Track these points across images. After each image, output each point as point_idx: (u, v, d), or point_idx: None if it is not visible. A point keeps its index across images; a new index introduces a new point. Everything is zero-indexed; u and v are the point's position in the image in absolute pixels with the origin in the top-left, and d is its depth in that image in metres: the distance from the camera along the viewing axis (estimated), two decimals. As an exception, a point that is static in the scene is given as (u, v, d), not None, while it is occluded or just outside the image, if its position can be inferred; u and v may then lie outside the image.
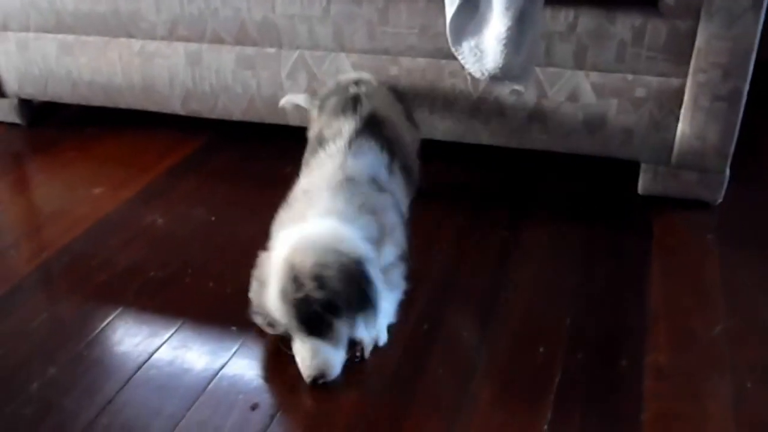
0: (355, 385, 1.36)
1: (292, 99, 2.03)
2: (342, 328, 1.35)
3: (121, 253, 1.78)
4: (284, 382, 1.37)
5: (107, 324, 1.53)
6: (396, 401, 1.33)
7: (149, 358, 1.43)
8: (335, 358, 1.35)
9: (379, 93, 1.75)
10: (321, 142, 1.60)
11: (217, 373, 1.39)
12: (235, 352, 1.44)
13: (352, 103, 1.65)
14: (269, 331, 1.44)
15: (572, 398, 1.31)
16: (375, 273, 1.35)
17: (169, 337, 1.49)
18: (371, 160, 1.54)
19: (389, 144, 1.60)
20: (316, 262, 1.30)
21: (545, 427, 1.25)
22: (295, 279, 1.30)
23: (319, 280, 1.29)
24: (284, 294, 1.31)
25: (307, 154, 1.68)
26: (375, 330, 1.42)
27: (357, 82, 1.76)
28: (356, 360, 1.40)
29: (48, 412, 1.31)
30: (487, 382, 1.36)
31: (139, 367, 1.41)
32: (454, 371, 1.39)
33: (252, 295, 1.42)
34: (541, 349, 1.42)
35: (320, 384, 1.34)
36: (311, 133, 1.74)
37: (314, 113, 1.80)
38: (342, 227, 1.38)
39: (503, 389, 1.34)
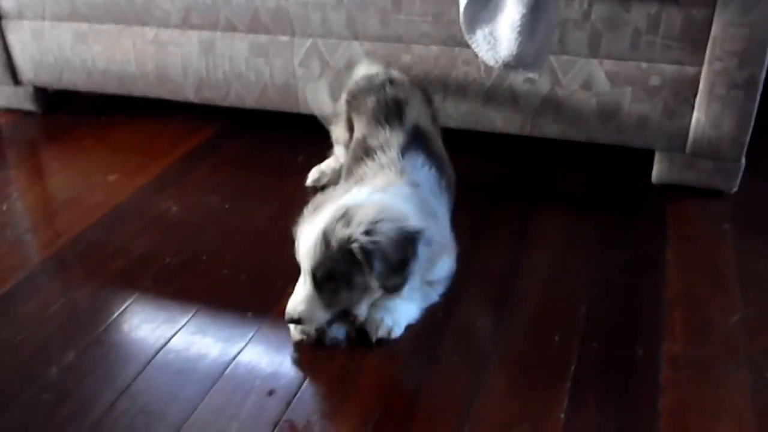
0: (370, 372, 1.37)
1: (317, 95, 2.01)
2: (343, 296, 1.37)
3: (136, 240, 1.78)
4: (300, 368, 1.38)
5: (124, 310, 1.54)
6: (411, 389, 1.33)
7: (166, 344, 1.44)
8: (319, 316, 1.37)
9: (415, 96, 1.74)
10: (367, 151, 1.59)
11: (233, 359, 1.40)
12: (251, 339, 1.45)
13: (395, 109, 1.65)
14: None
15: (588, 387, 1.31)
16: (422, 253, 1.36)
17: (186, 323, 1.50)
18: (426, 174, 1.55)
19: (437, 161, 1.60)
20: (375, 214, 1.32)
21: (561, 415, 1.25)
22: (345, 220, 1.31)
23: (371, 229, 1.31)
24: (327, 230, 1.32)
25: (349, 161, 1.67)
26: (392, 318, 1.43)
27: (391, 81, 1.75)
28: (351, 321, 1.42)
29: (67, 397, 1.33)
30: (502, 370, 1.36)
31: (157, 353, 1.42)
32: (469, 359, 1.39)
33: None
34: (557, 338, 1.42)
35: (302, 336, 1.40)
36: (354, 134, 1.72)
37: (343, 108, 1.79)
38: (409, 207, 1.40)
39: (518, 377, 1.35)
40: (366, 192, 1.41)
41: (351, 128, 1.78)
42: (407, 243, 1.33)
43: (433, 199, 1.53)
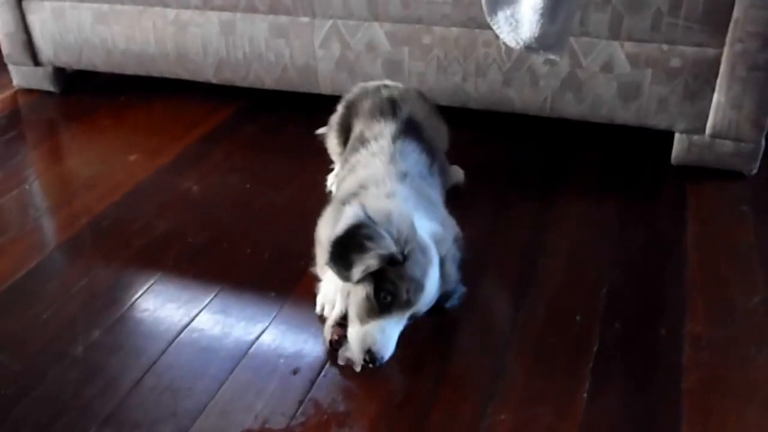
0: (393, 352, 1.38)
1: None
2: None
3: (157, 220, 1.80)
4: (324, 348, 1.39)
5: (148, 288, 1.56)
6: (434, 369, 1.34)
7: (190, 323, 1.46)
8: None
9: (410, 95, 1.77)
10: (363, 141, 1.62)
11: (257, 338, 1.41)
12: (274, 318, 1.46)
13: (390, 105, 1.68)
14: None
15: (611, 368, 1.32)
16: None
17: (209, 302, 1.51)
18: (415, 159, 1.57)
19: (428, 147, 1.63)
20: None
21: (584, 395, 1.26)
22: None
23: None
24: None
25: (346, 152, 1.70)
26: None
27: (385, 86, 1.79)
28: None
29: (94, 374, 1.34)
30: (524, 351, 1.37)
31: (181, 331, 1.44)
32: (491, 340, 1.41)
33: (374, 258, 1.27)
34: (578, 319, 1.43)
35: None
36: (353, 132, 1.74)
37: (336, 119, 1.83)
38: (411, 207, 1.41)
39: (540, 358, 1.36)
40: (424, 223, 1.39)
41: (343, 138, 1.80)
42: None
43: (424, 184, 1.54)
